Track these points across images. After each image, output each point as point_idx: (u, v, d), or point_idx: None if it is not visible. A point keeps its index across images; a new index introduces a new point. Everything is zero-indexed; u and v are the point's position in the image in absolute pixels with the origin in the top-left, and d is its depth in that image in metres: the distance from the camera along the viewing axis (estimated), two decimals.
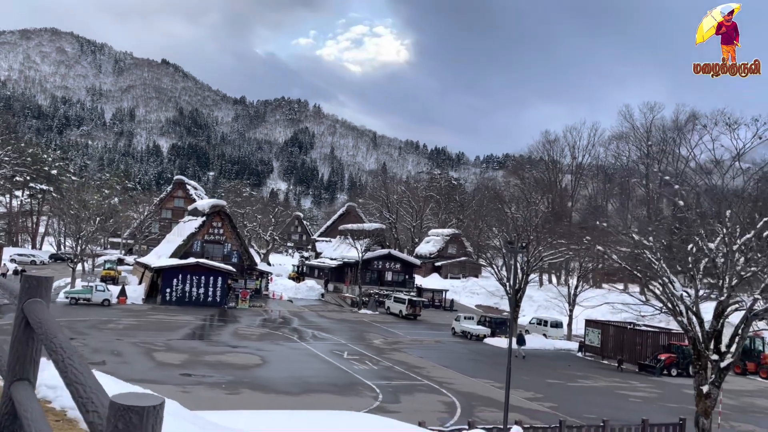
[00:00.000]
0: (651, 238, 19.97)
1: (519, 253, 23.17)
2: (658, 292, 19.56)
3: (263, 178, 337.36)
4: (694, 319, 18.44)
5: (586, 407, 25.17)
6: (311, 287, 64.85)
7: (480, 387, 27.96)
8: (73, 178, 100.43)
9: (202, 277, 50.34)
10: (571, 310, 45.75)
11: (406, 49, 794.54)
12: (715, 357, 18.28)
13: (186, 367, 27.09)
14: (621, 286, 70.89)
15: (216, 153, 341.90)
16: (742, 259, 18.05)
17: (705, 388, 18.35)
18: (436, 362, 33.37)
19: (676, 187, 22.03)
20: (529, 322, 48.46)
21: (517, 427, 15.03)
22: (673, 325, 40.64)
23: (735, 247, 17.03)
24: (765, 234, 16.64)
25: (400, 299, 55.57)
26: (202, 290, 50.21)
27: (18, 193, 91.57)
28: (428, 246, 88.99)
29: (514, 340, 40.18)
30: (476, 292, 70.86)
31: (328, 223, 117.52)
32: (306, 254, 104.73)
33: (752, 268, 16.57)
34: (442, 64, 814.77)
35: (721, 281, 18.29)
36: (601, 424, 17.95)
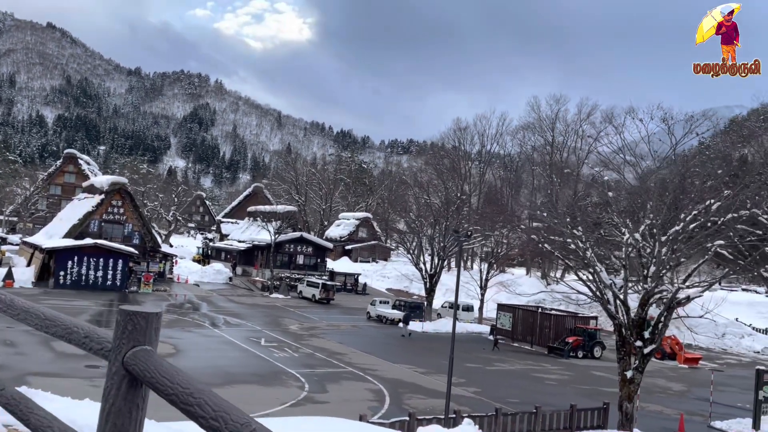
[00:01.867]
0: (580, 228, 20.46)
1: (464, 241, 23.09)
2: (585, 278, 20.11)
3: (160, 154, 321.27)
4: (621, 307, 19.11)
5: (508, 391, 25.74)
6: (218, 270, 62.42)
7: (404, 373, 27.89)
8: None
9: (101, 260, 46.88)
10: (482, 294, 46.89)
11: (309, 27, 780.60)
12: (639, 344, 19.07)
13: (91, 358, 24.84)
14: (523, 271, 74.05)
15: (108, 126, 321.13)
16: (664, 249, 18.88)
17: (629, 374, 19.13)
18: (357, 348, 33.00)
19: (606, 178, 22.81)
20: (442, 306, 49.23)
21: (469, 420, 14.90)
22: (573, 309, 42.78)
23: (663, 239, 17.74)
24: (691, 227, 17.45)
25: (313, 283, 54.68)
26: (100, 273, 46.78)
27: None
28: (338, 229, 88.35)
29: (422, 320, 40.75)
30: (387, 275, 71.22)
31: (234, 203, 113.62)
32: (210, 236, 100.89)
33: (682, 260, 17.34)
34: (346, 45, 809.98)
35: (646, 270, 19.06)
36: (534, 410, 18.26)
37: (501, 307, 42.15)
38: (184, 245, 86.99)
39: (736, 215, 17.64)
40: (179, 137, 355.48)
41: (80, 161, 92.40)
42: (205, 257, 74.12)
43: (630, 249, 19.02)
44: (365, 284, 65.50)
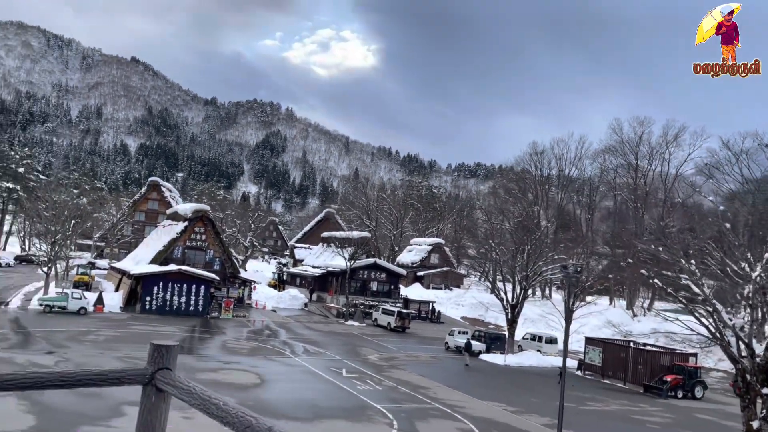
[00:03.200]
0: (693, 263, 18.91)
1: (573, 279, 21.91)
2: (703, 319, 18.50)
3: (233, 180, 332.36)
4: (746, 349, 17.41)
5: None
6: (294, 296, 62.85)
7: (494, 412, 26.62)
8: (41, 176, 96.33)
9: (185, 285, 48.03)
10: (567, 326, 44.72)
11: (373, 54, 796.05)
12: (766, 391, 17.26)
13: None
14: (606, 301, 70.86)
15: (185, 154, 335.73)
16: None
17: (755, 424, 17.31)
18: (440, 382, 31.94)
19: (721, 208, 21.13)
20: (523, 338, 47.46)
21: None
22: (663, 342, 40.13)
23: None
24: None
25: (388, 311, 54.02)
26: (184, 299, 47.89)
27: None
28: (410, 255, 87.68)
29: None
30: (461, 303, 69.76)
31: (306, 229, 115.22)
32: (284, 261, 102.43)
33: None
34: (410, 70, 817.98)
35: None
36: None
37: (589, 341, 40.09)
38: (259, 270, 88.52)
39: None
40: (252, 163, 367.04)
41: (163, 188, 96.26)
42: (280, 282, 75.02)
43: (756, 286, 17.34)
44: (439, 312, 64.30)
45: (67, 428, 18.60)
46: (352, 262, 58.60)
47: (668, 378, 34.12)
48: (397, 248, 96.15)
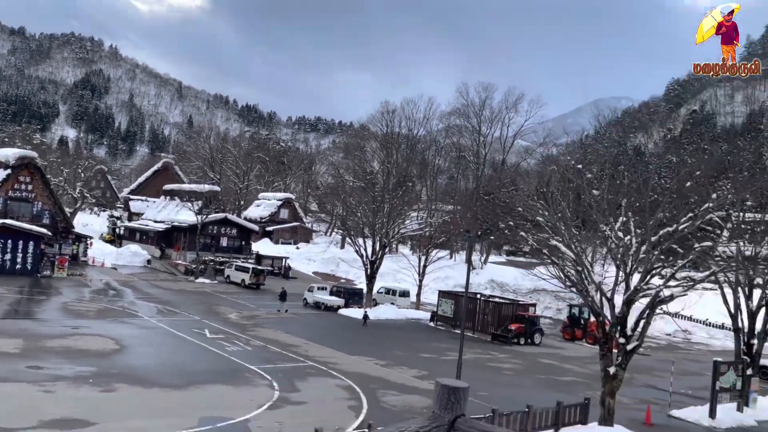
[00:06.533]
0: (563, 225, 20.59)
1: (474, 242, 22.56)
2: (570, 275, 20.31)
3: (48, 122, 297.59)
4: (606, 304, 19.49)
5: (473, 384, 25.49)
6: (135, 252, 58.60)
7: (366, 366, 27.25)
8: None
9: (9, 241, 42.50)
10: (420, 280, 47.00)
11: None
12: (622, 340, 19.57)
13: (29, 357, 22.39)
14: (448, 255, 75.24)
15: None
16: (644, 248, 19.39)
17: (612, 370, 19.59)
18: (307, 339, 31.92)
19: (589, 175, 23.10)
20: (377, 291, 48.92)
21: None
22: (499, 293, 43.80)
23: (654, 239, 18.16)
24: (681, 228, 17.97)
25: (242, 267, 52.57)
26: (9, 256, 42.44)
27: None
28: (259, 210, 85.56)
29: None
30: (312, 258, 69.97)
31: (141, 179, 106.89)
32: (116, 213, 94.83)
33: (679, 265, 17.81)
34: (241, 16, 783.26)
35: (628, 268, 19.52)
36: (526, 409, 18.32)
37: (442, 294, 42.42)
38: (88, 224, 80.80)
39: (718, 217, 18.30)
40: (69, 104, 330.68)
41: None
42: (116, 237, 69.37)
43: (617, 247, 19.37)
44: (290, 267, 63.88)
45: None
46: (204, 217, 55.76)
47: (513, 327, 37.36)
48: (242, 202, 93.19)
